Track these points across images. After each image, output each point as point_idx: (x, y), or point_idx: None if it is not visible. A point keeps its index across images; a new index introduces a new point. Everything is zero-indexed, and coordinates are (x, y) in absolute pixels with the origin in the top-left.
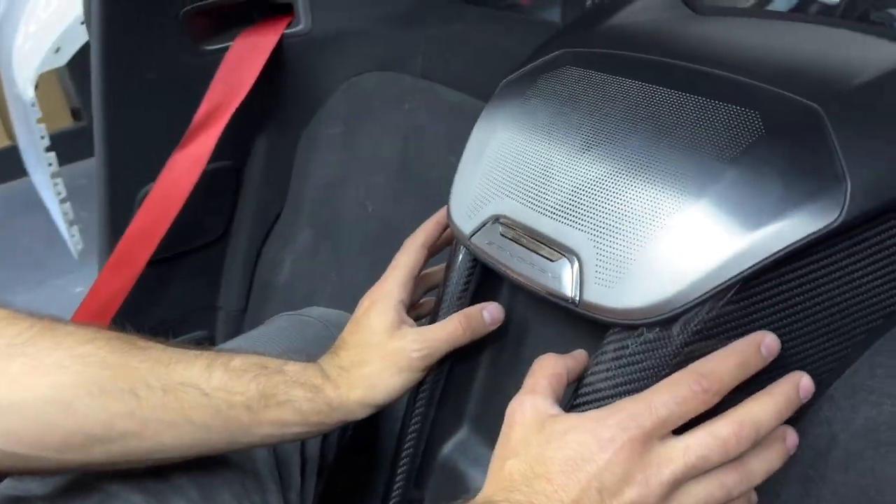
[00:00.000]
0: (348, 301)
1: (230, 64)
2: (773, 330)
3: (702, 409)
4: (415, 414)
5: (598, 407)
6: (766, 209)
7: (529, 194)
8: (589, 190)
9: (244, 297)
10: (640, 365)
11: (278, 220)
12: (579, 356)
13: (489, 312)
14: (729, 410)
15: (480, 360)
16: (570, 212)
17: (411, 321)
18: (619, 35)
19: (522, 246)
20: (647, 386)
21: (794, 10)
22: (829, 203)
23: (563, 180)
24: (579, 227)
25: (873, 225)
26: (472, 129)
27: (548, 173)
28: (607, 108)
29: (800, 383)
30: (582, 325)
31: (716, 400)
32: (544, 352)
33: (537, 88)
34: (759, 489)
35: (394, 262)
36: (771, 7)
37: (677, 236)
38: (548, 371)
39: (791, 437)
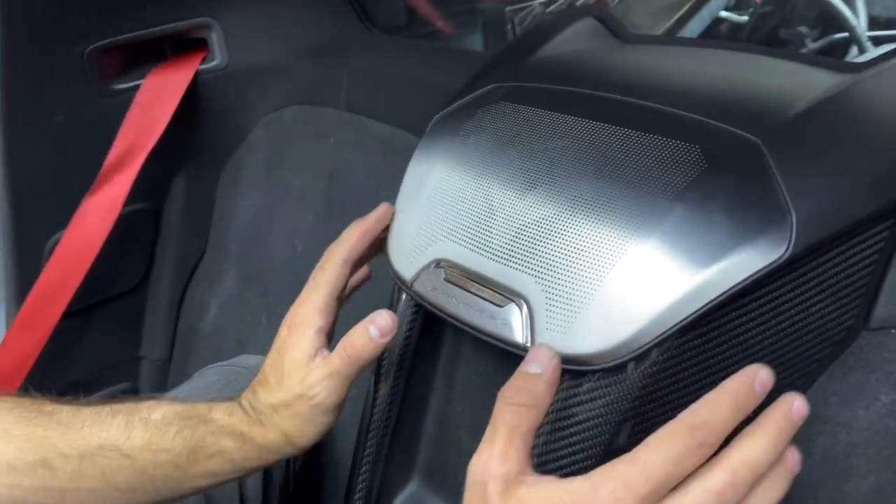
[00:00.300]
0: None
1: (142, 103)
2: (727, 365)
3: (698, 464)
4: (362, 470)
5: (561, 462)
6: (715, 246)
7: (472, 237)
8: (533, 231)
9: (168, 345)
10: (596, 410)
11: (201, 262)
12: (552, 382)
13: (376, 326)
14: (720, 456)
15: (428, 410)
16: (516, 254)
17: (325, 351)
18: (549, 67)
19: (468, 291)
20: (604, 430)
21: (706, 28)
22: (776, 238)
23: (507, 221)
24: (525, 270)
25: (819, 255)
26: (403, 162)
27: (490, 214)
28: (546, 145)
29: (791, 410)
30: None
31: (712, 452)
32: (491, 399)
33: (473, 125)
34: None
35: (312, 282)
36: (687, 26)
37: (628, 278)
38: (523, 426)
39: (792, 457)
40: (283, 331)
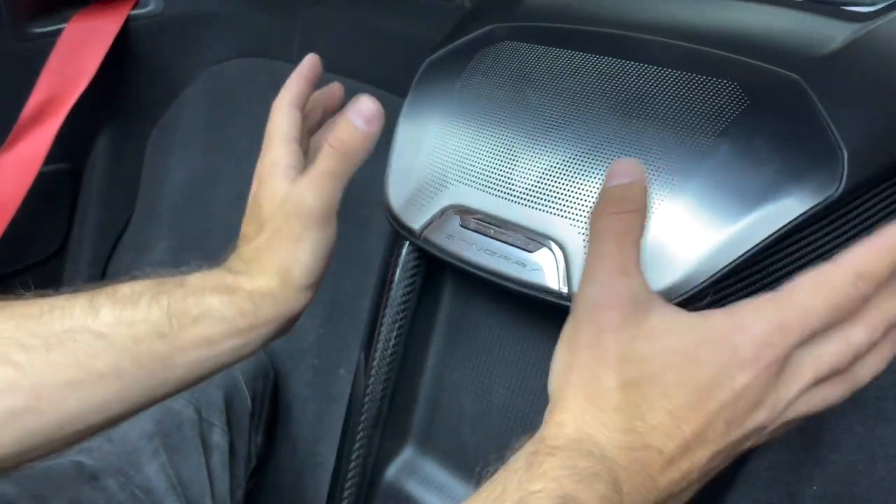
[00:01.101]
0: None
1: (64, 50)
2: None
3: (850, 317)
4: (357, 437)
5: None
6: (764, 184)
7: (491, 180)
8: (563, 172)
9: None
10: None
11: (127, 228)
12: (645, 190)
13: (359, 114)
14: (861, 312)
15: (425, 374)
16: (544, 196)
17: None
18: (555, 6)
19: (490, 237)
20: None
21: None
22: (828, 175)
23: (530, 163)
24: (557, 212)
25: (862, 194)
26: None
27: (510, 156)
28: (565, 84)
29: None
30: (538, 323)
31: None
32: (495, 354)
33: (476, 67)
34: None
35: (267, 133)
36: None
37: (673, 218)
38: (633, 235)
39: None
40: (254, 186)
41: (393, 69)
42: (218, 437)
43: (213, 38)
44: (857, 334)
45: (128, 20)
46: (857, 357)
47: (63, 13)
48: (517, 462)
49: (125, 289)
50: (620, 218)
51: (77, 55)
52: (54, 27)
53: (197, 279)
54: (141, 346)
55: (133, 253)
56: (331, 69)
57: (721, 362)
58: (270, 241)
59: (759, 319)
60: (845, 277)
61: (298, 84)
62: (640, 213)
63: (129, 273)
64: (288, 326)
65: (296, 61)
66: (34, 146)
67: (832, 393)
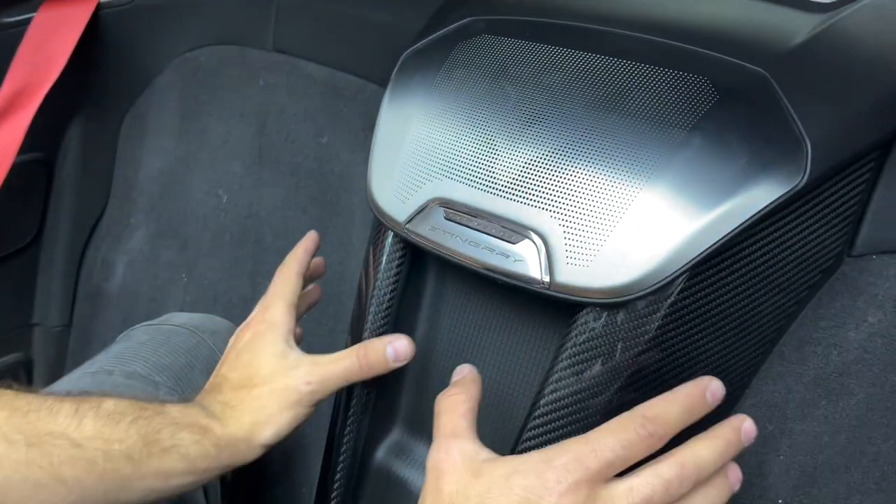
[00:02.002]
0: (207, 305)
1: (34, 40)
2: (738, 294)
3: (647, 453)
4: (348, 421)
5: (580, 396)
6: (735, 175)
7: (473, 174)
8: (543, 165)
9: (67, 310)
10: (614, 346)
11: (102, 217)
12: (475, 379)
13: (394, 349)
14: (672, 451)
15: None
16: (525, 189)
17: (299, 350)
18: (527, 1)
19: (473, 229)
20: (624, 364)
21: None
22: (793, 166)
23: (512, 156)
24: (538, 204)
25: (824, 184)
26: (347, 105)
27: (491, 150)
28: (543, 79)
29: (742, 427)
30: (518, 310)
31: (661, 444)
32: (477, 340)
33: (455, 60)
34: None
35: (272, 291)
36: None
37: (650, 209)
38: (461, 409)
39: (734, 473)
40: (248, 334)
41: (369, 56)
42: None
43: (185, 25)
44: (665, 469)
45: (98, 8)
46: (670, 490)
47: (32, 1)
48: None
49: (109, 404)
50: (449, 397)
51: (47, 44)
52: (23, 16)
53: (176, 411)
54: (109, 465)
55: (109, 242)
56: (306, 56)
57: (529, 485)
58: (257, 400)
59: (561, 454)
60: (633, 418)
61: (304, 257)
62: (465, 393)
63: (106, 262)
64: (232, 469)
65: (271, 49)
66: (7, 137)
67: None
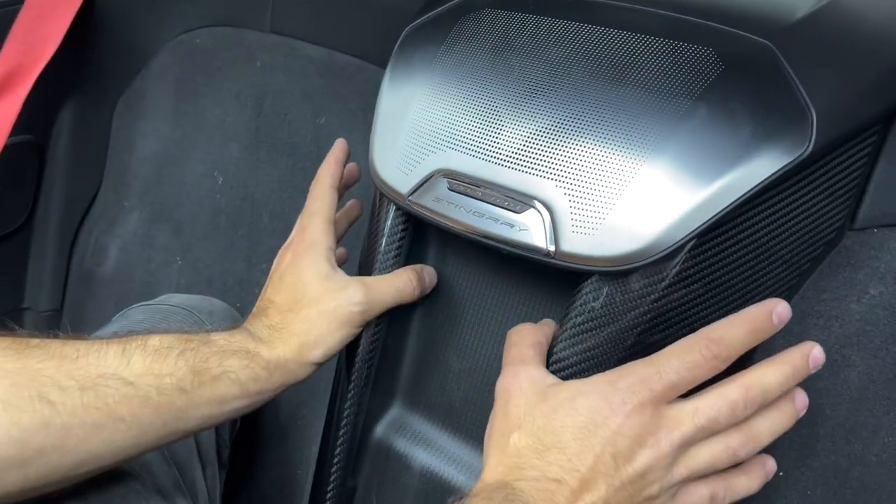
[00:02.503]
0: (202, 288)
1: (28, 19)
2: (742, 265)
3: (711, 374)
4: (349, 396)
5: (583, 366)
6: (740, 144)
7: (477, 145)
8: (548, 136)
9: (59, 294)
10: (617, 316)
11: (95, 201)
12: (550, 324)
13: (429, 274)
14: (739, 374)
15: (410, 332)
16: (530, 159)
17: (341, 270)
18: None
19: (477, 199)
20: (630, 332)
21: None
22: (798, 135)
23: (516, 127)
24: (543, 174)
25: (828, 155)
26: (345, 85)
27: (496, 121)
28: (547, 51)
29: (811, 353)
30: (520, 283)
31: (725, 366)
32: (478, 315)
33: (459, 34)
34: None
35: (308, 210)
36: None
37: (655, 178)
38: (530, 340)
39: (800, 398)
40: (288, 256)
41: (369, 38)
42: None
43: (180, 6)
44: (731, 391)
45: None
46: (735, 412)
47: None
48: None
49: (154, 340)
50: (518, 331)
51: (41, 25)
52: None
53: (221, 339)
54: (163, 398)
55: (103, 225)
56: (303, 37)
57: (593, 406)
58: (305, 321)
59: (625, 375)
60: (697, 340)
61: (335, 168)
62: (538, 328)
63: (99, 246)
64: (287, 389)
65: (267, 30)
66: (0, 117)
67: (731, 440)
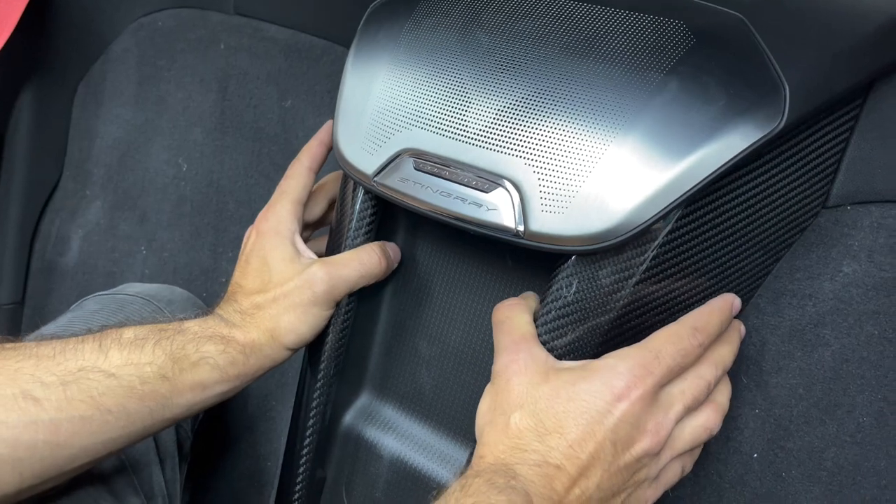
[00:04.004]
0: (167, 278)
1: None
2: (718, 248)
3: (695, 360)
4: (317, 385)
5: (563, 350)
6: (712, 118)
7: (444, 123)
8: (517, 112)
9: (20, 286)
10: (597, 292)
11: (56, 190)
12: (534, 297)
13: (392, 249)
14: (709, 354)
15: (379, 320)
16: (498, 137)
17: (310, 251)
18: None
19: (445, 179)
20: (607, 313)
21: None
22: (771, 109)
23: (484, 104)
24: (511, 152)
25: (802, 130)
26: (311, 66)
27: (463, 98)
28: (516, 25)
29: (740, 329)
30: (492, 267)
31: (703, 352)
32: (449, 300)
33: (424, 10)
34: None
35: (279, 188)
36: None
37: (626, 154)
38: (524, 316)
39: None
40: (252, 236)
41: (336, 18)
42: None
43: None
44: (705, 371)
45: None
46: (709, 388)
47: None
48: (453, 487)
49: (129, 333)
50: (510, 306)
51: None
52: None
53: (195, 326)
54: (146, 387)
55: (64, 215)
56: (268, 18)
57: (596, 391)
58: (274, 305)
59: (624, 359)
60: (685, 328)
61: (316, 150)
62: (525, 301)
63: (61, 237)
64: (267, 372)
65: (231, 12)
66: None
67: (707, 418)
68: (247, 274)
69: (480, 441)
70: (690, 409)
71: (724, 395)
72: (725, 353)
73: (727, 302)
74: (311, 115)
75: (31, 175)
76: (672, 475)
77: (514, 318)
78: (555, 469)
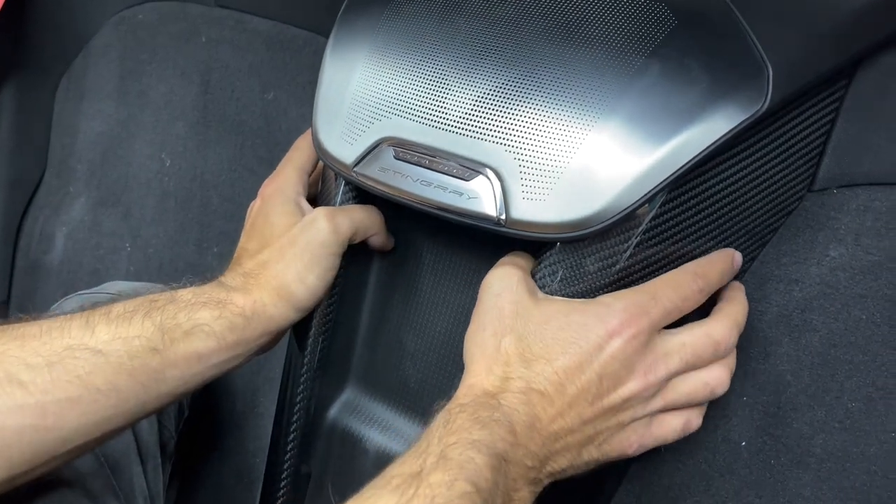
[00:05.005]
0: (152, 274)
1: None
2: (704, 226)
3: (695, 307)
4: (301, 380)
5: None
6: (695, 101)
7: (424, 110)
8: (496, 98)
9: (5, 284)
10: (580, 278)
11: (39, 187)
12: (529, 257)
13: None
14: (718, 315)
15: (363, 313)
16: (478, 124)
17: (311, 206)
18: None
19: (425, 167)
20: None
21: None
22: (754, 91)
23: (464, 90)
24: (491, 139)
25: (787, 112)
26: (293, 58)
27: (443, 85)
28: (495, 11)
29: (743, 291)
30: (475, 258)
31: (704, 300)
32: (432, 292)
33: None
34: None
35: (286, 158)
36: None
37: (608, 139)
38: (519, 260)
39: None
40: (257, 202)
41: (317, 8)
42: None
43: None
44: (717, 330)
45: None
46: (717, 348)
47: None
48: (437, 422)
49: (118, 307)
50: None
51: None
52: None
53: (188, 294)
54: (136, 362)
55: (48, 212)
56: (250, 10)
57: (589, 325)
58: (279, 261)
59: (620, 298)
60: (686, 274)
61: None
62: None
63: (45, 234)
64: (275, 341)
65: (212, 4)
66: None
67: (710, 374)
68: (252, 236)
69: (469, 370)
70: (692, 366)
71: (734, 358)
72: (741, 315)
73: (728, 254)
74: (294, 107)
75: (14, 173)
76: (668, 429)
77: (509, 258)
78: (539, 395)
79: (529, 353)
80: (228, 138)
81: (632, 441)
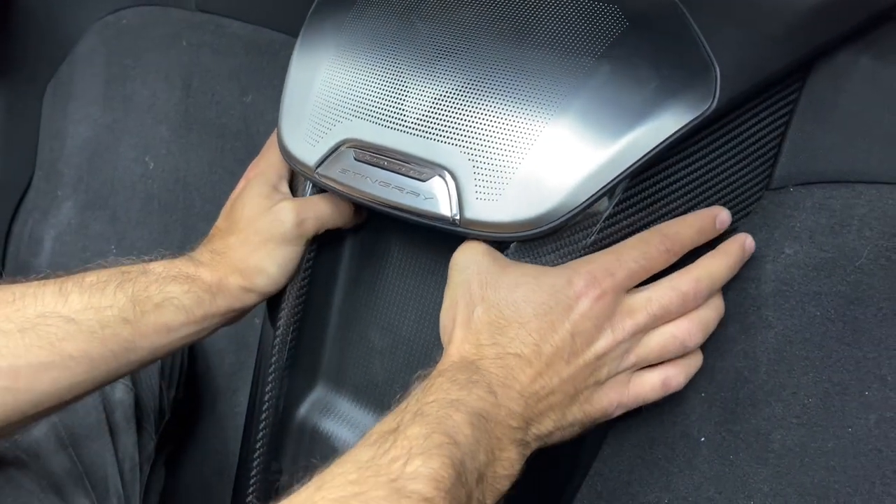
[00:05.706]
0: None
1: None
2: (658, 220)
3: (664, 266)
4: (269, 379)
5: None
6: (644, 101)
7: (382, 112)
8: (452, 100)
9: None
10: None
11: (28, 191)
12: None
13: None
14: (687, 267)
15: (332, 311)
16: (434, 125)
17: (288, 193)
18: None
19: (384, 169)
20: None
21: None
22: (702, 91)
23: (421, 92)
24: (447, 140)
25: (738, 112)
26: (270, 62)
27: (401, 87)
28: (454, 15)
29: (745, 243)
30: (440, 255)
31: (675, 259)
32: (399, 290)
33: (366, 1)
34: None
35: (269, 140)
36: None
37: (560, 139)
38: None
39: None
40: (241, 183)
41: (295, 12)
42: (121, 394)
43: None
44: (682, 282)
45: None
46: (685, 300)
47: None
48: (416, 387)
49: (91, 277)
50: None
51: None
52: None
53: (160, 267)
54: (107, 331)
55: (37, 216)
56: (230, 14)
57: (557, 286)
58: (244, 244)
59: (587, 261)
60: (653, 235)
61: None
62: None
63: (34, 237)
64: (240, 316)
65: (194, 8)
66: None
67: (678, 328)
68: (226, 217)
69: (446, 341)
70: (661, 319)
71: (711, 309)
72: (714, 266)
73: (709, 212)
74: (271, 110)
75: (3, 177)
76: (647, 387)
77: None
78: (515, 358)
79: (502, 318)
80: (210, 141)
81: (612, 399)
